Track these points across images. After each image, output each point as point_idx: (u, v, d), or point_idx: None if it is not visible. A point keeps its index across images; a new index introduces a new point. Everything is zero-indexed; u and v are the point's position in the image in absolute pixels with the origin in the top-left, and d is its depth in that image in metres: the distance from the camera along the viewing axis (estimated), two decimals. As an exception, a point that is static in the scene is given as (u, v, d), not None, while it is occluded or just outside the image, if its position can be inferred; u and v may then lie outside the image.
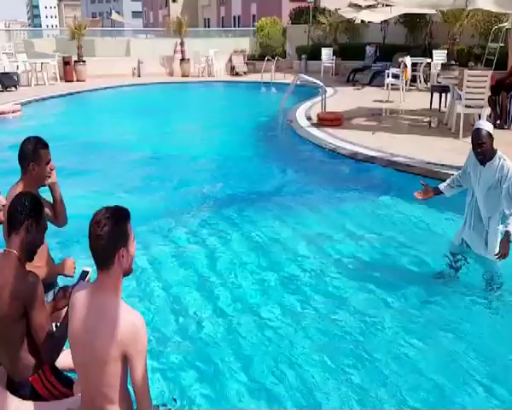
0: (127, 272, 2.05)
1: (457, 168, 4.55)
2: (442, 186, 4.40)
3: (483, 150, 3.92)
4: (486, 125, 3.97)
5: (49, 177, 2.95)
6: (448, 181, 4.41)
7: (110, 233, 1.93)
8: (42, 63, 17.65)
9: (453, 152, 7.44)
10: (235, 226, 5.62)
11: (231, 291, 4.20)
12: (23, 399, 2.30)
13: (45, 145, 2.90)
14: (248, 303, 4.02)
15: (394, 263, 4.72)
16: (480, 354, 3.35)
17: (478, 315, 3.85)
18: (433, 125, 10.15)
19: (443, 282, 4.28)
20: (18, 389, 2.33)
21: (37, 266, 2.60)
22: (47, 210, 2.86)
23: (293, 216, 5.91)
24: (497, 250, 4.03)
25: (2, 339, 2.27)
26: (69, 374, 2.59)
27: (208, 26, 40.99)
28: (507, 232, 3.84)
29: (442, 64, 14.38)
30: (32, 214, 2.28)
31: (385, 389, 3.05)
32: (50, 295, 2.82)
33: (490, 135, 3.91)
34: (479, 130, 3.93)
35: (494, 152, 3.98)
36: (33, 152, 2.83)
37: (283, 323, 3.72)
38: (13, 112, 12.02)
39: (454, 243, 4.51)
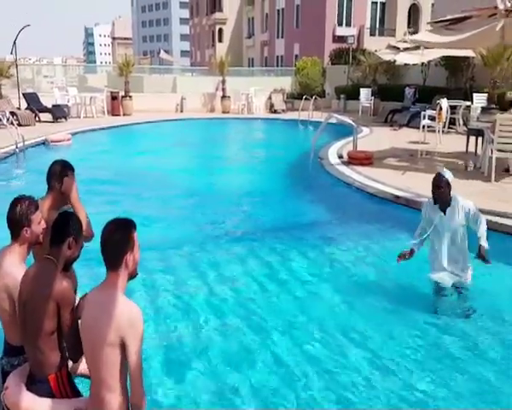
0: (132, 275, 2.33)
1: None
2: (415, 247, 4.66)
3: (439, 194, 4.43)
4: (447, 174, 4.42)
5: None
6: (416, 237, 4.69)
7: (118, 239, 2.23)
8: (91, 97, 18.78)
9: (481, 196, 7.24)
10: (253, 255, 5.88)
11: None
12: (38, 395, 2.53)
13: (70, 167, 3.25)
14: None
15: (408, 300, 4.74)
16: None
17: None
18: (469, 168, 9.87)
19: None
20: (36, 384, 2.56)
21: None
22: None
23: (310, 246, 6.12)
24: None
25: (35, 332, 2.53)
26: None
27: (252, 66, 42.29)
28: (480, 246, 4.29)
29: (482, 108, 14.25)
30: (74, 233, 2.59)
31: None
32: None
33: (448, 183, 4.41)
34: (440, 175, 4.43)
35: (451, 198, 4.46)
36: (60, 173, 3.18)
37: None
38: (66, 140, 13.11)
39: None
